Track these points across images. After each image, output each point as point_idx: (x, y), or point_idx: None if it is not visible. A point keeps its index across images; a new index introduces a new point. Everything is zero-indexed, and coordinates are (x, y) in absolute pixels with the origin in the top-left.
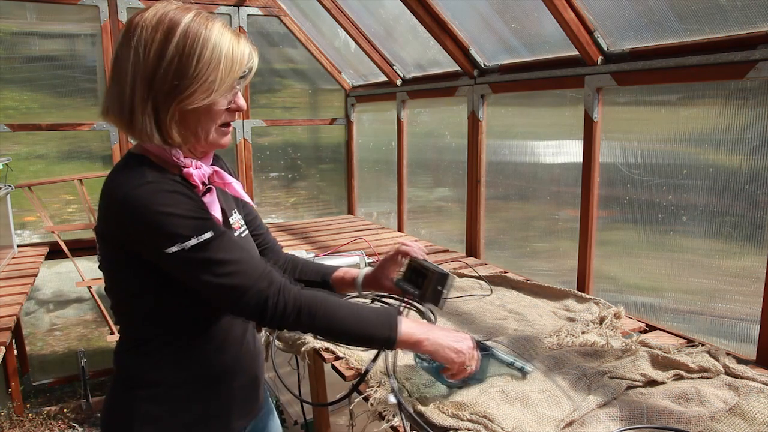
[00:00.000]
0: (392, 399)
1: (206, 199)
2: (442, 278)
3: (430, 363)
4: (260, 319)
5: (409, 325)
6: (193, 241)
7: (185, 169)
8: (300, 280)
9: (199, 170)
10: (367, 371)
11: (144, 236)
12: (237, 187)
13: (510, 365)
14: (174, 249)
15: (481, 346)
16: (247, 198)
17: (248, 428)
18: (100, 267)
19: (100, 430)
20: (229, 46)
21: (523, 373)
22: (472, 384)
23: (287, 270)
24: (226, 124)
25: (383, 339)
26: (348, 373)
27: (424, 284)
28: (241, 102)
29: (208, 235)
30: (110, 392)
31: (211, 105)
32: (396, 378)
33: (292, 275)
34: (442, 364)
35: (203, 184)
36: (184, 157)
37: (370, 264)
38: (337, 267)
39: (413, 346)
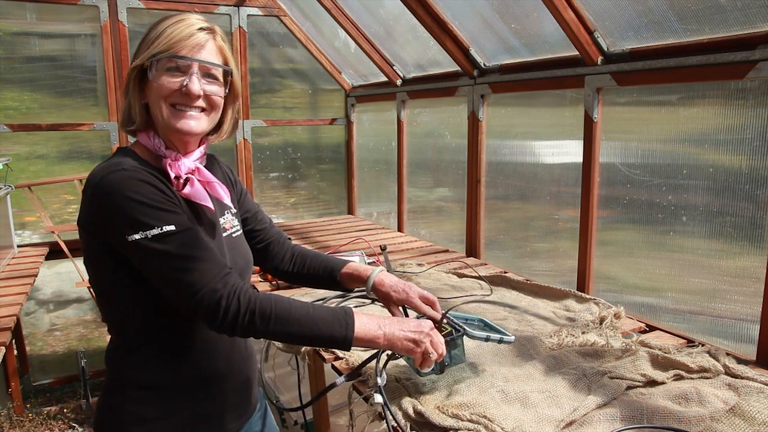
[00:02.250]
0: (378, 398)
1: (187, 190)
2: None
3: (408, 357)
4: (212, 319)
5: (364, 321)
6: (155, 231)
7: (164, 160)
8: (308, 274)
9: (177, 162)
10: (333, 384)
11: (110, 221)
12: (219, 189)
13: (486, 340)
14: (136, 236)
15: (453, 328)
16: (228, 201)
17: (242, 431)
18: (84, 261)
19: (93, 430)
20: (165, 26)
21: (504, 344)
22: (454, 365)
23: (295, 263)
24: (182, 106)
25: (340, 339)
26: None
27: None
28: (192, 85)
29: (170, 227)
30: (102, 392)
31: (158, 81)
32: (384, 375)
33: (300, 269)
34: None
35: (178, 177)
36: (166, 148)
37: (370, 264)
38: (347, 262)
39: (369, 342)
